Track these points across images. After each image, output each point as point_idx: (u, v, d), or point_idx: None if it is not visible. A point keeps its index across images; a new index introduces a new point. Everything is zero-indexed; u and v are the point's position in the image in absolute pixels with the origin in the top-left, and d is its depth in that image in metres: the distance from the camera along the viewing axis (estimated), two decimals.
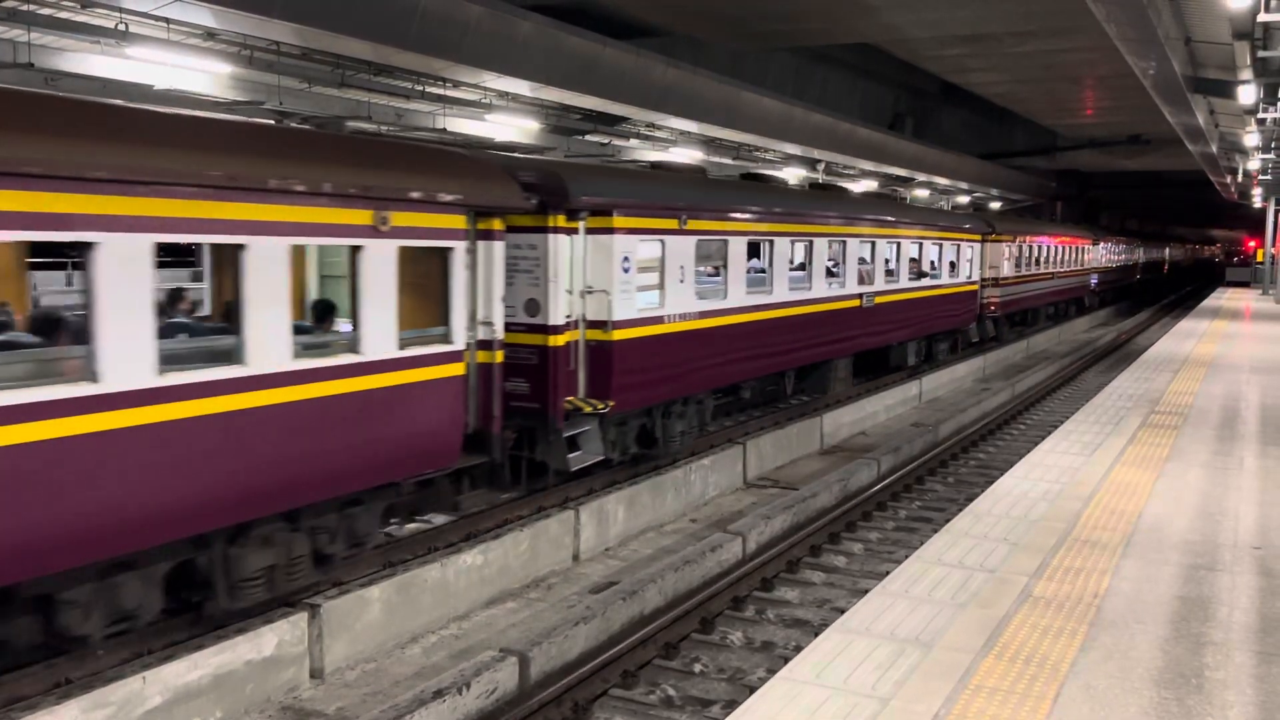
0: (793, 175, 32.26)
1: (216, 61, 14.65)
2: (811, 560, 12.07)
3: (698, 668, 9.08)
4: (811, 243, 17.66)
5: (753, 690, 8.24)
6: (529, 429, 11.94)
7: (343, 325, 9.35)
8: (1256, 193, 44.64)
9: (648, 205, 13.04)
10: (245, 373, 7.76)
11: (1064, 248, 38.34)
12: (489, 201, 10.29)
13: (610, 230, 12.30)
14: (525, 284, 11.73)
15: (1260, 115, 21.58)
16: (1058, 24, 23.72)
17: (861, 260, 19.91)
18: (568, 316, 12.03)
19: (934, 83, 36.07)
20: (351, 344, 8.85)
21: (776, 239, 16.35)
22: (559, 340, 11.87)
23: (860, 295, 19.81)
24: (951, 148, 37.86)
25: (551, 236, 11.67)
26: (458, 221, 9.87)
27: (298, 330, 8.37)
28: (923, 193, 41.49)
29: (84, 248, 6.80)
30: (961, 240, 26.30)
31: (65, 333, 7.45)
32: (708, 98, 21.73)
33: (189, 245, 9.92)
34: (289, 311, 8.13)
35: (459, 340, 9.96)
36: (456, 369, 9.93)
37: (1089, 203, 61.31)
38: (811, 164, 30.98)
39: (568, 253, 12.05)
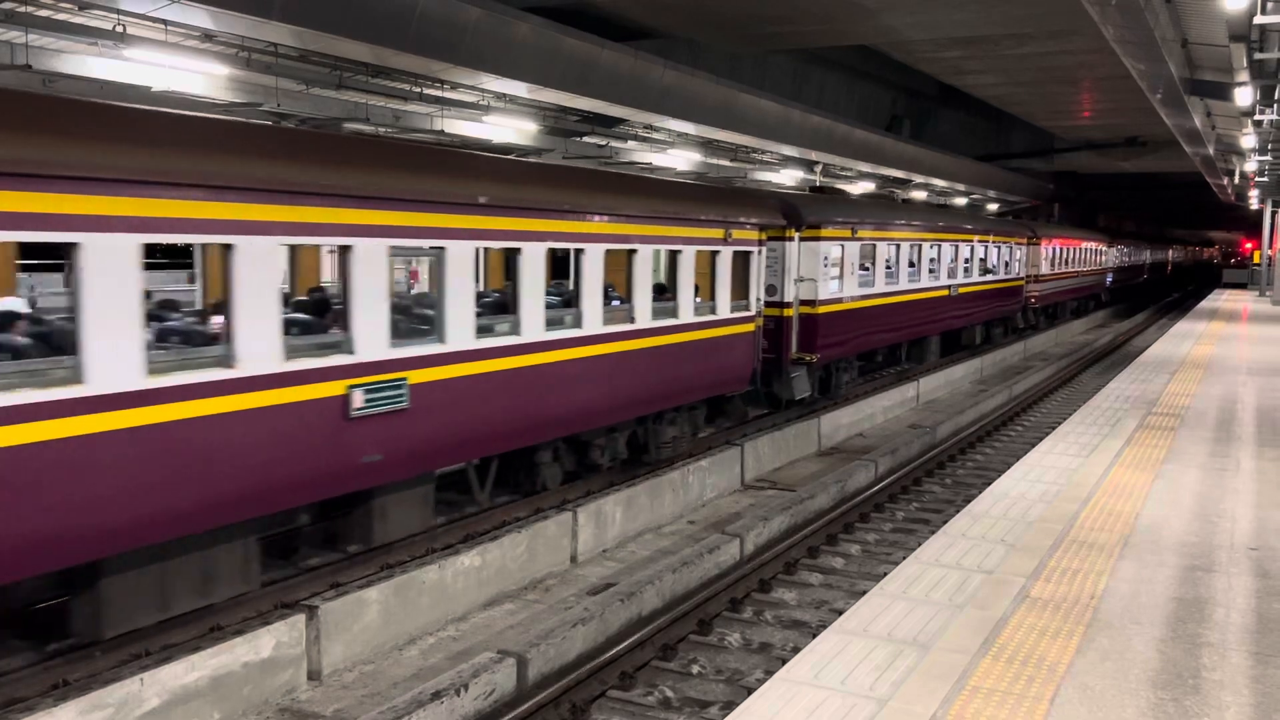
0: (790, 177, 32.30)
1: (214, 63, 14.66)
2: (809, 562, 12.08)
3: (695, 669, 9.09)
4: (921, 246, 23.55)
5: (751, 691, 8.25)
6: (767, 372, 17.28)
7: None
8: (1253, 194, 44.71)
9: (836, 221, 18.64)
10: (633, 328, 12.98)
11: (1087, 250, 43.66)
12: (767, 223, 16.28)
13: (817, 239, 17.87)
14: (768, 276, 17.03)
15: (1257, 117, 21.61)
16: (1055, 26, 23.74)
17: (950, 260, 25.63)
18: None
19: (931, 85, 36.11)
20: (712, 308, 14.79)
21: (902, 244, 22.24)
22: (789, 313, 17.62)
23: (949, 287, 25.77)
24: (949, 149, 37.91)
25: (788, 244, 17.53)
26: (756, 235, 15.85)
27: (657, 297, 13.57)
28: (920, 194, 41.54)
29: (438, 254, 9.98)
30: (1013, 243, 32.17)
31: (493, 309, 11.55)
32: (705, 99, 21.75)
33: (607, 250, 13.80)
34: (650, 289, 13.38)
35: (754, 309, 15.84)
36: (751, 327, 15.85)
37: (1086, 205, 61.37)
38: (809, 165, 31.00)
39: (795, 254, 17.63)
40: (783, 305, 17.51)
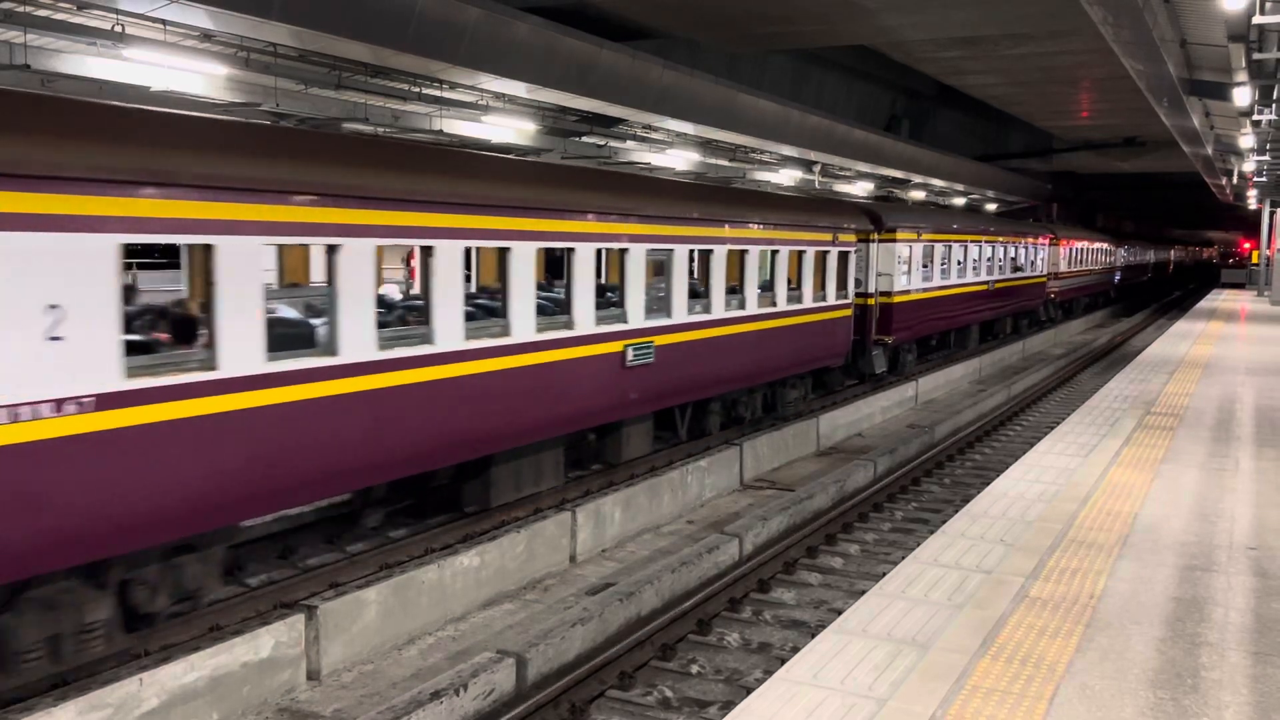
0: (789, 177, 32.29)
1: (213, 63, 14.64)
2: (808, 561, 12.08)
3: (695, 669, 9.09)
4: (968, 246, 27.79)
5: (750, 691, 8.25)
6: (853, 350, 20.84)
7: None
8: (1251, 194, 44.73)
9: (906, 225, 22.93)
10: (775, 310, 16.85)
11: (1099, 250, 48.09)
12: (859, 227, 20.44)
13: (894, 240, 22.11)
14: (854, 270, 20.59)
15: (1255, 117, 21.61)
16: (1054, 26, 23.74)
17: (988, 258, 29.61)
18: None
19: (930, 85, 36.10)
20: (823, 297, 18.59)
21: (953, 244, 26.34)
22: (871, 302, 21.59)
23: (988, 282, 29.79)
24: (948, 149, 37.92)
25: (871, 244, 21.61)
26: (853, 237, 20.00)
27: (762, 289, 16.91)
28: (919, 194, 41.56)
29: (668, 255, 14.01)
30: (1038, 243, 35.99)
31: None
32: (704, 99, 21.75)
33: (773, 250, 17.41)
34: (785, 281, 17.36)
35: (850, 298, 19.95)
36: (849, 312, 20.01)
37: (1084, 205, 61.39)
38: (808, 166, 31.00)
39: (876, 253, 21.64)
40: (866, 296, 21.51)
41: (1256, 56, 16.61)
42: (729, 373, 15.69)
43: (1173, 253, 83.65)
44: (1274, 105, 20.54)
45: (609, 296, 13.67)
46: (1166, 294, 68.78)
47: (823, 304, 18.63)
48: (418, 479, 10.94)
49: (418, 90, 17.60)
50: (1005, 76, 32.07)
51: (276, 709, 8.13)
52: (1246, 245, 70.94)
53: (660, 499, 13.34)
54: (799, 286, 17.84)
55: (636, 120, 21.85)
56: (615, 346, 12.77)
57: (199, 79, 16.13)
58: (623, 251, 12.99)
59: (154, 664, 7.48)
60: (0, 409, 6.50)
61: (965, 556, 7.49)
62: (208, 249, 7.88)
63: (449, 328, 10.08)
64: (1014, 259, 32.72)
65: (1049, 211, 54.32)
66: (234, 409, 8.02)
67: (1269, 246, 43.54)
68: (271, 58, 14.97)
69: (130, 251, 7.50)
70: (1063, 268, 40.36)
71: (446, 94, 18.11)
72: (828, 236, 18.50)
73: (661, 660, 9.20)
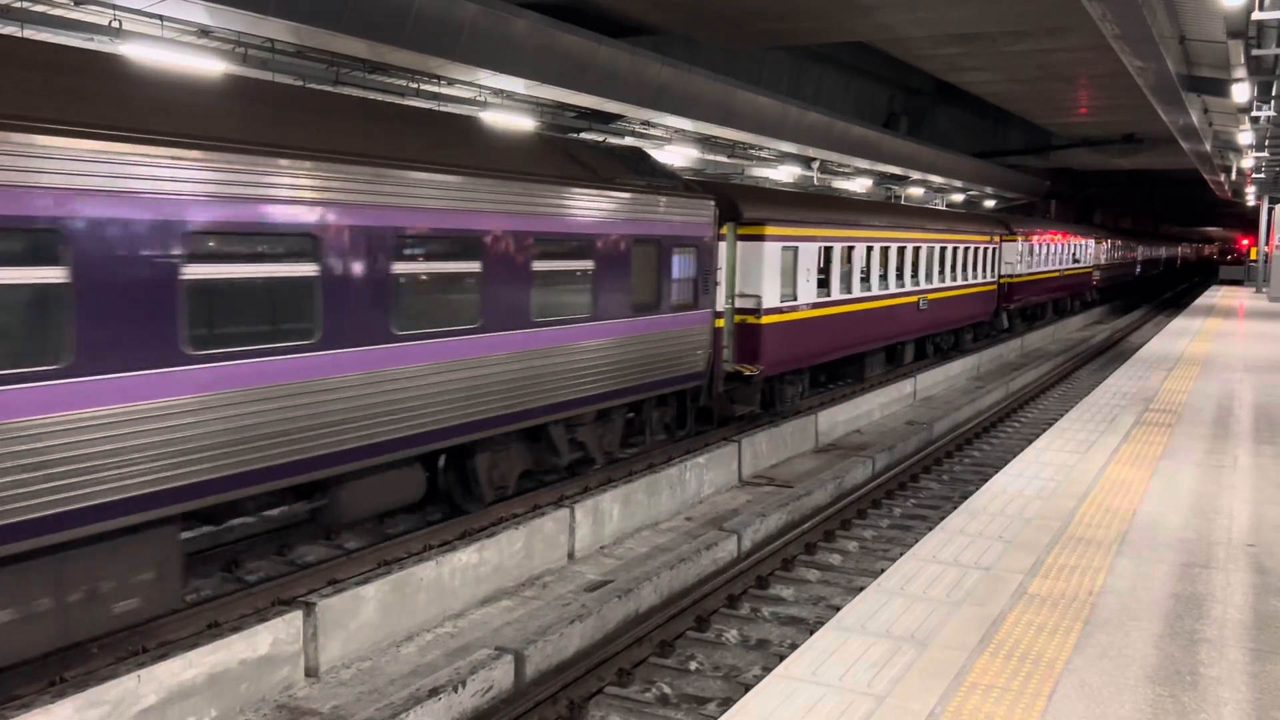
0: (788, 174, 32.29)
1: (211, 59, 14.62)
2: (807, 558, 12.08)
3: (693, 665, 9.09)
4: (1051, 244, 38.29)
5: (748, 688, 8.26)
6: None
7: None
8: (1250, 191, 44.74)
9: (1018, 230, 33.85)
10: (959, 283, 28.38)
11: (1124, 245, 58.79)
12: (1000, 231, 31.93)
13: (1014, 240, 33.11)
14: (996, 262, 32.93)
15: (1254, 113, 21.63)
16: (1052, 23, 23.75)
17: (1064, 251, 40.58)
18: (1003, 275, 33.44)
19: (929, 82, 36.11)
20: (980, 276, 29.77)
21: (1042, 239, 37.14)
22: (1003, 281, 32.88)
23: (1059, 270, 40.26)
24: (946, 146, 37.92)
25: (1004, 243, 32.22)
26: (999, 238, 31.95)
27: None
28: (917, 191, 41.57)
29: (921, 246, 25.31)
30: (1090, 240, 45.97)
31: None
32: (702, 96, 21.74)
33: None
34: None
35: (994, 278, 31.24)
36: (994, 287, 31.55)
37: (1083, 202, 61.40)
38: (806, 162, 30.99)
39: (1005, 249, 33.11)
40: (999, 278, 32.58)
41: (1255, 52, 16.61)
42: (933, 322, 26.20)
43: (1180, 249, 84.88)
44: (1273, 101, 20.54)
45: (906, 273, 23.94)
46: (1178, 284, 74.96)
47: (980, 280, 30.14)
48: (854, 356, 22.32)
49: (416, 86, 17.57)
50: (1004, 73, 32.06)
51: (275, 706, 8.12)
52: (1245, 242, 71.04)
53: (659, 496, 13.34)
54: (971, 269, 29.11)
55: (634, 116, 21.83)
56: (912, 298, 24.30)
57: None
58: (916, 250, 24.37)
59: (152, 661, 7.47)
60: (804, 305, 18.40)
61: (964, 553, 7.49)
62: (828, 249, 19.61)
63: (868, 286, 21.59)
64: (1072, 252, 39.26)
65: (1047, 208, 54.34)
66: (836, 313, 20.03)
67: (1267, 243, 43.56)
68: (269, 53, 14.94)
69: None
70: (1103, 260, 46.76)
71: (445, 90, 18.08)
72: (986, 238, 30.42)
73: (660, 657, 9.20)
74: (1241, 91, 19.12)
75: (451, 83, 17.49)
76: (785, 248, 17.71)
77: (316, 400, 9.14)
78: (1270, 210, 42.28)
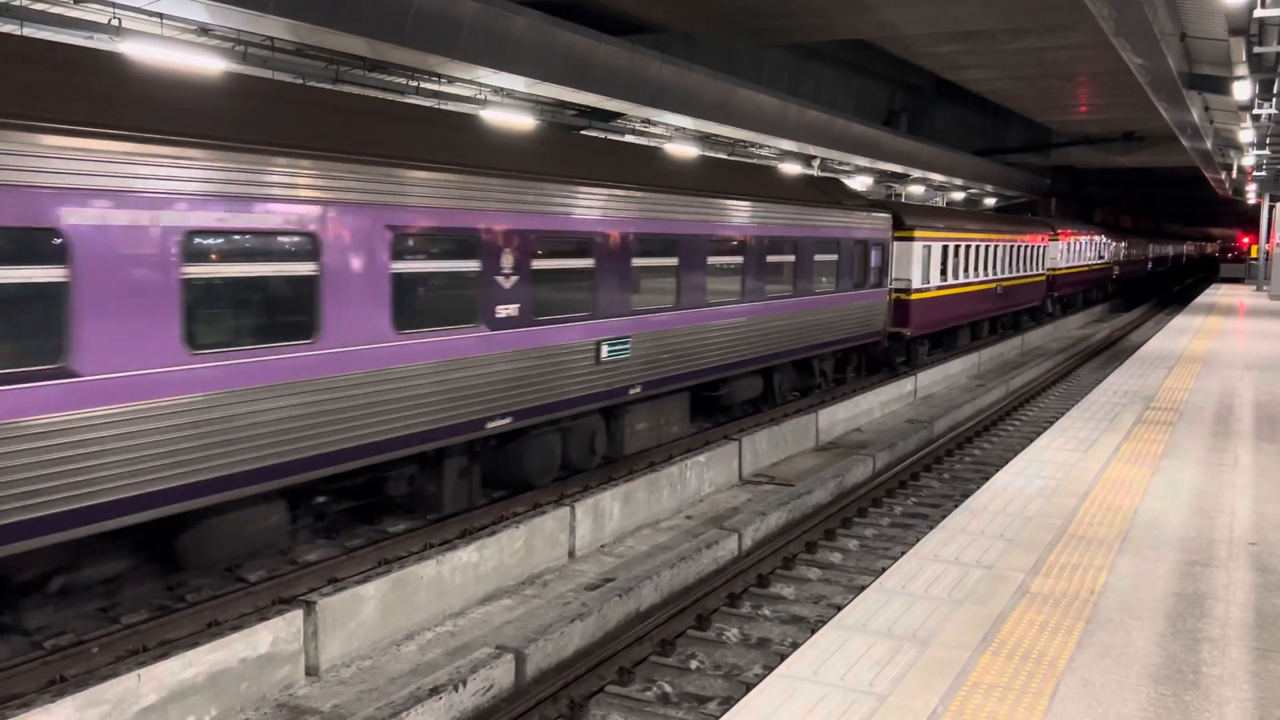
0: (790, 172, 32.26)
1: (210, 57, 14.60)
2: (808, 557, 12.07)
3: (694, 664, 9.08)
4: (1080, 241, 44.32)
5: (750, 687, 8.25)
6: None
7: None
8: (1250, 189, 44.71)
9: (1062, 232, 41.33)
10: (1019, 274, 34.76)
11: (1139, 243, 65.28)
12: (1048, 234, 39.10)
13: (1059, 240, 40.49)
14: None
15: (1255, 111, 21.61)
16: (1053, 20, 23.72)
17: (1094, 248, 48.10)
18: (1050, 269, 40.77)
19: (929, 79, 36.07)
20: (1033, 269, 36.92)
21: (1076, 240, 43.49)
22: (1047, 275, 40.00)
23: (1088, 265, 46.45)
24: (946, 144, 37.89)
25: (1052, 242, 39.70)
26: (1051, 239, 38.69)
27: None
28: (917, 189, 41.54)
29: (983, 246, 31.23)
30: (1113, 241, 52.47)
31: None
32: (702, 94, 21.71)
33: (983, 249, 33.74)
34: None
35: (1043, 271, 38.25)
36: (1043, 279, 38.43)
37: (1083, 199, 61.39)
38: (807, 160, 30.96)
39: (1052, 248, 40.66)
40: (1048, 271, 38.91)
41: (1257, 50, 16.59)
42: (1001, 307, 32.50)
43: (1169, 248, 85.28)
44: (1274, 99, 20.52)
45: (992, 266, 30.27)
46: (1186, 278, 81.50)
47: (1034, 273, 36.31)
48: (954, 329, 28.29)
49: (416, 84, 17.56)
50: (1004, 71, 32.03)
51: (275, 705, 8.11)
52: (1245, 240, 71.03)
53: (659, 494, 13.33)
54: (1030, 264, 35.60)
55: (635, 115, 21.82)
56: (992, 285, 30.49)
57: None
58: (997, 246, 30.82)
59: (152, 660, 7.46)
60: (933, 287, 25.29)
61: (965, 552, 7.48)
62: (946, 247, 25.96)
63: (969, 275, 27.93)
64: (1098, 251, 48.86)
65: (1047, 206, 54.33)
66: (953, 294, 27.25)
67: (1268, 241, 43.54)
68: (269, 51, 14.92)
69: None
70: (1121, 257, 54.44)
71: (445, 88, 18.06)
72: (1040, 239, 36.73)
73: (661, 656, 9.19)
74: (1243, 89, 19.10)
75: (451, 81, 17.47)
76: (924, 246, 24.60)
77: (687, 338, 15.12)
78: (1271, 208, 42.26)
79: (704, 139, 25.80)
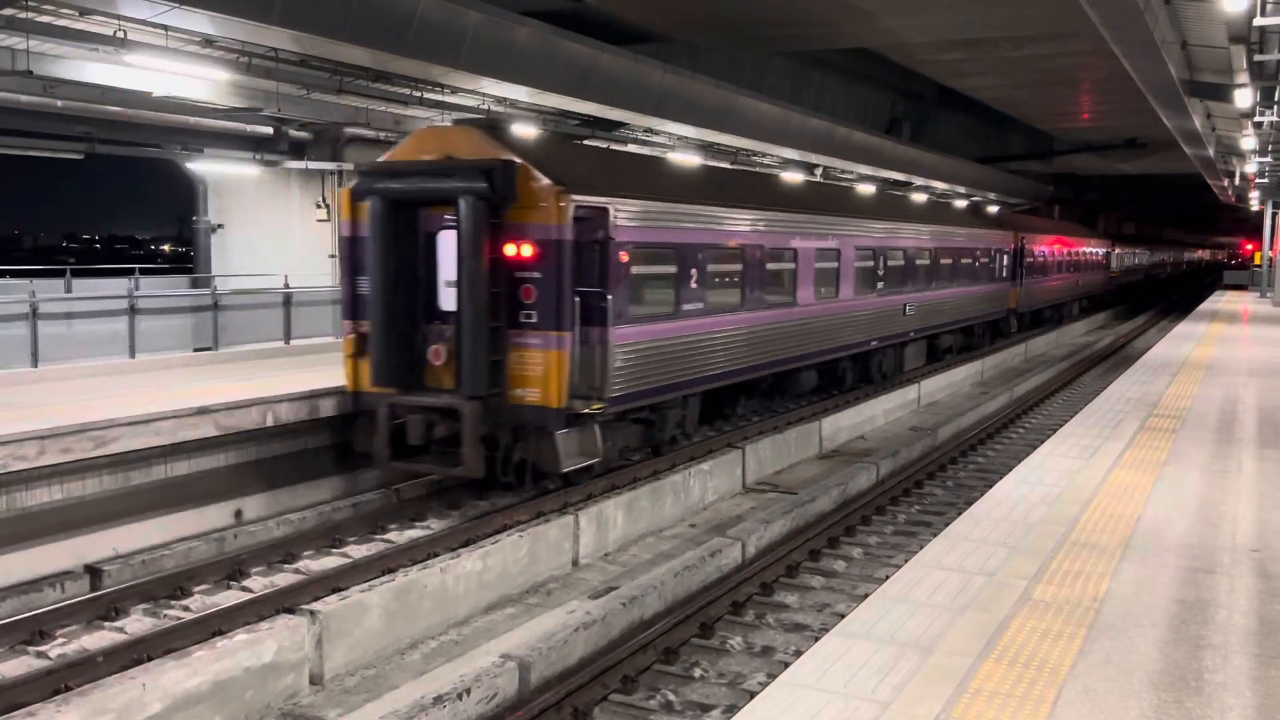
0: (792, 179, 32.31)
1: (215, 68, 14.68)
2: (811, 565, 12.07)
3: (697, 673, 9.08)
4: (1131, 252, 61.19)
5: (753, 695, 8.24)
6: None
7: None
8: (1254, 195, 44.71)
9: (1121, 239, 60.56)
10: (1079, 275, 46.59)
11: (1155, 252, 73.34)
12: (1107, 240, 55.24)
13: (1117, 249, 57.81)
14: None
15: (1257, 119, 21.61)
16: (1054, 28, 23.76)
17: (1134, 255, 60.05)
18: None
19: (931, 87, 36.12)
20: (1095, 272, 51.00)
21: (1131, 252, 61.95)
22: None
23: (1129, 267, 60.47)
24: (948, 152, 37.95)
25: (1112, 250, 55.82)
26: (1110, 249, 54.46)
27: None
28: (920, 196, 41.56)
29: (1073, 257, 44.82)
30: (1145, 250, 62.25)
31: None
32: (705, 102, 21.78)
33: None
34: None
35: (1104, 273, 52.82)
36: (1104, 280, 52.49)
37: (1086, 206, 61.42)
38: (809, 168, 31.01)
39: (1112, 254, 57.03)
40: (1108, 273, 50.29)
41: (1258, 58, 16.59)
42: (1069, 295, 41.46)
43: (1194, 254, 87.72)
44: (1275, 107, 20.52)
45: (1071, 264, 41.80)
46: (1199, 281, 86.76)
47: (1098, 276, 45.86)
48: (1040, 310, 38.19)
49: (419, 95, 17.62)
50: (1006, 78, 32.09)
51: (280, 714, 8.13)
52: (1249, 247, 71.07)
53: (662, 502, 13.34)
54: (1095, 267, 46.42)
55: (638, 124, 21.87)
56: (1075, 278, 42.90)
57: (201, 84, 16.17)
58: (1076, 249, 42.78)
59: (157, 668, 7.48)
60: (1030, 279, 36.55)
61: (968, 559, 7.49)
62: (1039, 249, 37.00)
63: (1054, 270, 39.50)
64: (1092, 259, 50.26)
65: (1050, 213, 54.36)
66: (1044, 285, 38.45)
67: (1271, 248, 43.53)
68: (273, 62, 14.99)
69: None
70: (1115, 267, 56.81)
71: (448, 98, 18.13)
72: (1104, 245, 44.82)
73: (664, 664, 9.19)
74: (1244, 97, 19.09)
75: (455, 91, 17.53)
76: (1024, 248, 33.76)
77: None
78: (1274, 215, 42.26)
79: (706, 147, 25.86)
